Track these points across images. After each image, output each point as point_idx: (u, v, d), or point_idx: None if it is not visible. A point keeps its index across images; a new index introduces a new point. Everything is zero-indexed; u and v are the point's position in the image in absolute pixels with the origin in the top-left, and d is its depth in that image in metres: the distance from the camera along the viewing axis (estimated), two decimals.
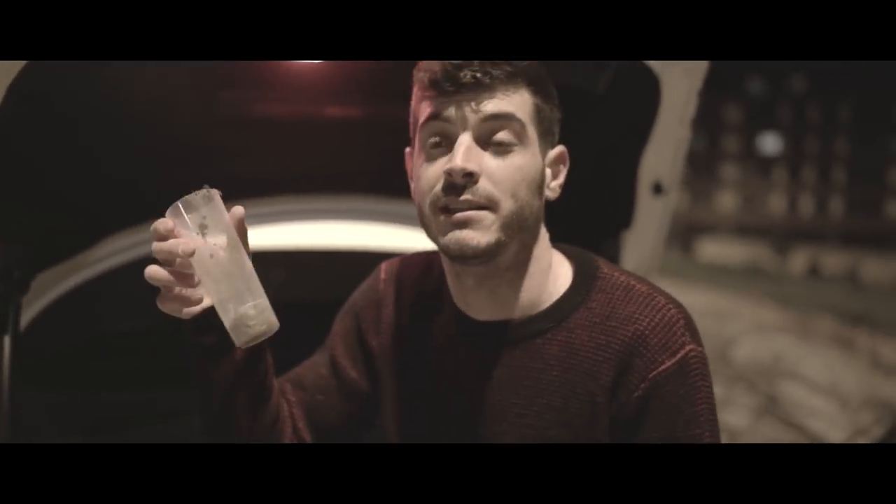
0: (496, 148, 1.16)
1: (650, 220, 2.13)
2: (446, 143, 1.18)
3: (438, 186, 1.16)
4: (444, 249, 1.19)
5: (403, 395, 1.34)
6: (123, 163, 1.79)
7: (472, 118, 1.16)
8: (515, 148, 1.17)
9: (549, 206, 2.17)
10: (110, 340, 2.07)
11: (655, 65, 1.78)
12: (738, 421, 5.42)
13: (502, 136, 1.16)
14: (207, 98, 1.72)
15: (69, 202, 1.77)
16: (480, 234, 1.15)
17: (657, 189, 2.08)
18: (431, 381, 1.31)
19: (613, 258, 2.13)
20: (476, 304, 1.26)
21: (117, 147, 1.75)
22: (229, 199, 2.05)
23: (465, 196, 1.15)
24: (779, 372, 6.74)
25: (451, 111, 1.16)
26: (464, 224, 1.15)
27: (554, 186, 1.27)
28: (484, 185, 1.15)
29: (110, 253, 1.93)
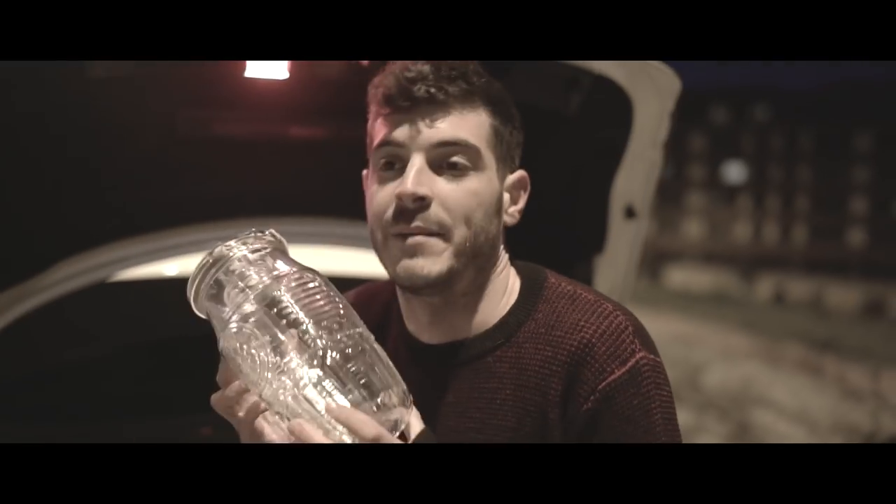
0: (450, 171, 1.12)
1: (622, 244, 2.10)
2: (399, 166, 1.13)
3: (390, 211, 1.12)
4: (394, 278, 1.15)
5: None
6: (77, 185, 1.73)
7: (424, 141, 1.12)
8: (470, 172, 1.13)
9: (520, 229, 2.15)
10: (61, 369, 2.00)
11: (627, 85, 1.76)
12: None
13: (456, 159, 1.12)
14: (167, 117, 1.67)
15: (19, 226, 1.71)
16: (431, 262, 1.12)
17: (629, 213, 2.05)
18: None
19: (586, 282, 2.09)
20: (428, 329, 1.22)
21: (71, 168, 1.69)
22: (190, 220, 2.01)
23: (417, 222, 1.11)
24: (749, 398, 6.77)
25: (403, 132, 1.12)
26: (413, 252, 1.12)
27: (513, 212, 1.22)
28: (436, 210, 1.11)
29: (61, 279, 1.87)
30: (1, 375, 1.88)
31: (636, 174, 1.98)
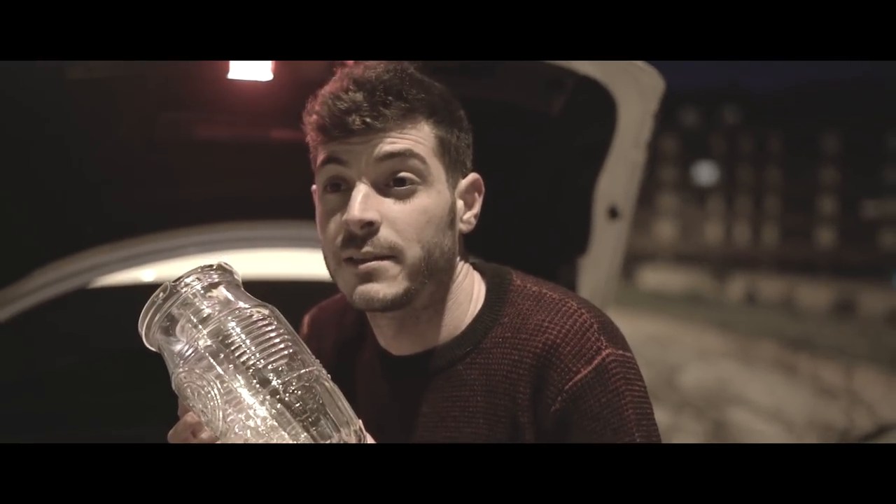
0: (397, 190, 1.10)
1: (606, 245, 2.09)
2: (345, 187, 1.11)
3: (339, 238, 1.10)
4: (351, 303, 1.13)
5: None
6: (56, 188, 1.70)
7: (366, 161, 1.09)
8: (419, 187, 1.10)
9: (504, 231, 2.14)
10: (41, 377, 1.96)
11: (611, 86, 1.75)
12: None
13: (402, 175, 1.09)
14: (147, 120, 1.64)
15: None
16: (386, 285, 1.10)
17: (613, 213, 2.04)
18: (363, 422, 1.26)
19: (570, 284, 2.09)
20: (395, 342, 1.20)
21: (49, 174, 1.66)
22: (171, 225, 1.98)
23: (366, 248, 1.09)
24: (724, 397, 6.82)
25: (345, 156, 1.10)
26: (368, 277, 1.10)
27: (468, 218, 1.19)
28: (385, 233, 1.09)
29: (43, 284, 1.83)
30: None
31: (619, 175, 1.97)
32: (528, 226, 2.10)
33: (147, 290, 2.11)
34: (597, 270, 2.12)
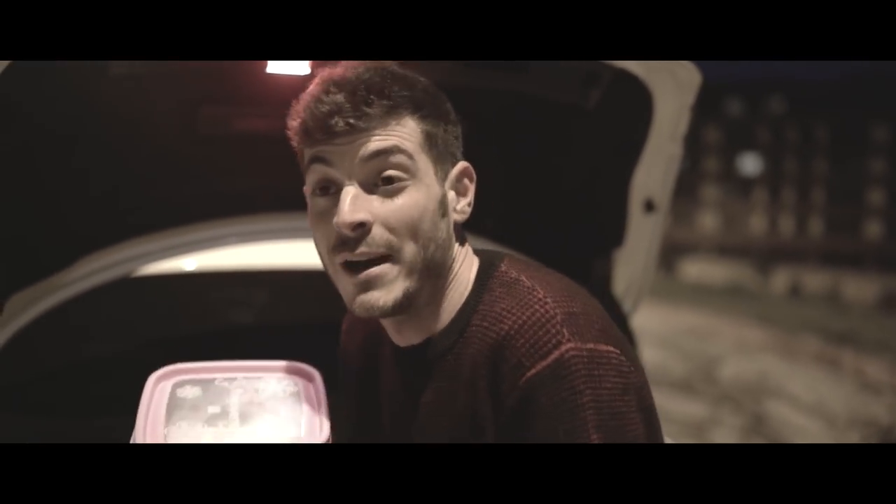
0: (386, 188, 1.07)
1: (642, 238, 2.09)
2: (333, 190, 1.09)
3: (332, 240, 1.08)
4: (352, 312, 1.12)
5: (365, 431, 1.32)
6: (102, 179, 1.74)
7: (353, 162, 1.06)
8: (407, 184, 1.07)
9: (540, 224, 2.14)
10: (88, 363, 2.01)
11: (648, 80, 1.75)
12: (725, 440, 5.39)
13: (390, 173, 1.07)
14: (189, 114, 1.68)
15: (45, 220, 1.72)
16: (385, 292, 1.08)
17: (649, 206, 2.04)
18: (382, 414, 1.27)
19: (605, 277, 2.09)
20: (399, 334, 1.19)
21: (96, 163, 1.70)
22: (210, 216, 2.01)
23: (361, 248, 1.06)
24: (765, 391, 6.73)
25: (329, 155, 1.08)
26: (367, 286, 1.08)
27: (462, 207, 1.16)
28: (379, 232, 1.06)
29: (88, 273, 1.87)
30: (28, 369, 1.89)
31: (656, 168, 1.97)
32: (565, 219, 2.11)
33: (189, 279, 2.15)
34: (632, 263, 2.13)
